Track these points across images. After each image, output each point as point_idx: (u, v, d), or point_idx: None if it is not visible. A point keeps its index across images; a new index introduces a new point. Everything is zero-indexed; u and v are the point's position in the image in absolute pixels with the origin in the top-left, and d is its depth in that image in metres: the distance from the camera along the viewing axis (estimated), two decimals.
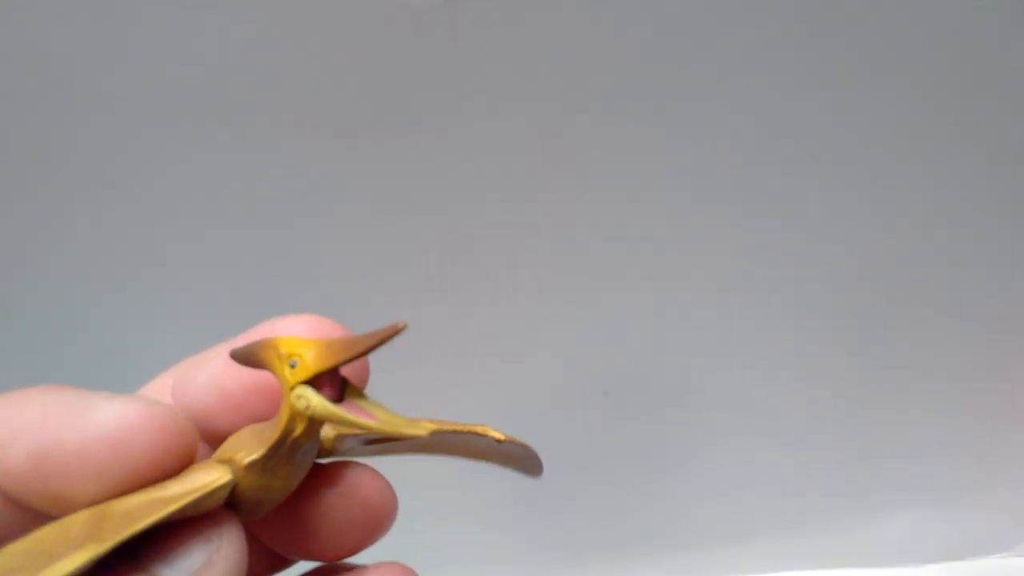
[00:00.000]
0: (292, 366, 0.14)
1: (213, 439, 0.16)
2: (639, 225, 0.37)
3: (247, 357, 0.15)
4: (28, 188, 0.33)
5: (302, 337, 0.14)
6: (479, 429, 0.18)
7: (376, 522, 0.16)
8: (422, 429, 0.14)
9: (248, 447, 0.14)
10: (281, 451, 0.14)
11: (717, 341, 0.40)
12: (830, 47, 0.33)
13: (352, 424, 0.14)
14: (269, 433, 0.14)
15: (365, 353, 0.14)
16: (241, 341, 0.15)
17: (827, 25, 0.33)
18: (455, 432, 0.18)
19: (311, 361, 0.14)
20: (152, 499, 0.13)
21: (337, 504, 0.16)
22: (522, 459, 0.20)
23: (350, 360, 0.14)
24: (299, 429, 0.14)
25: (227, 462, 0.14)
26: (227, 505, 0.14)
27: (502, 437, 0.18)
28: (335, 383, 0.14)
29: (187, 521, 0.14)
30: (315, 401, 0.14)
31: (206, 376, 0.16)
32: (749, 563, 0.46)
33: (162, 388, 0.16)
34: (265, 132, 0.33)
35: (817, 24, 0.33)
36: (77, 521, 0.13)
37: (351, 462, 0.16)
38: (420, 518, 0.32)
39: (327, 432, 0.16)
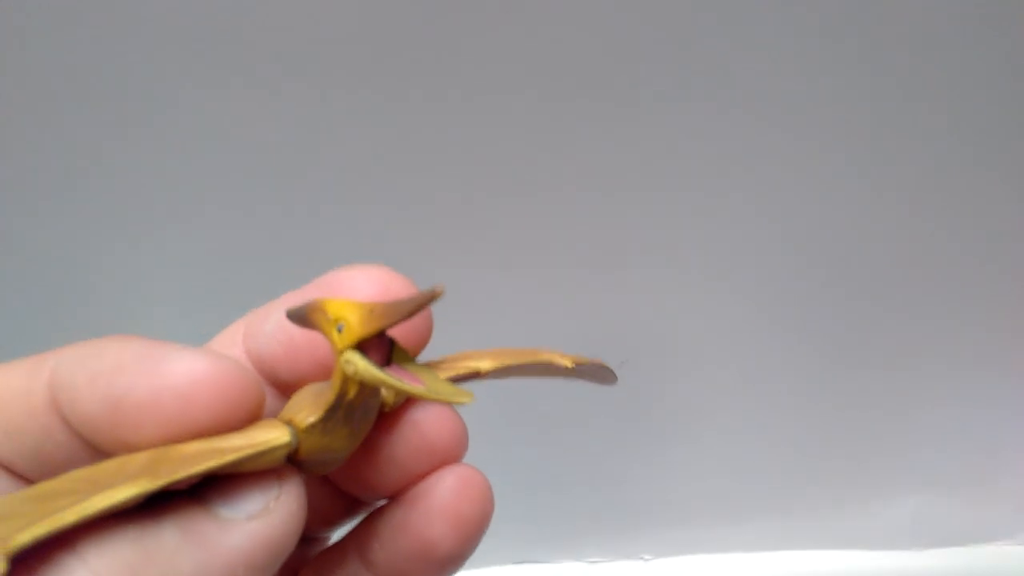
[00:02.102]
0: (339, 330, 0.14)
1: (281, 387, 0.16)
2: (652, 206, 0.36)
3: (300, 318, 0.15)
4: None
5: (349, 300, 0.14)
6: (544, 357, 0.18)
7: (448, 454, 0.16)
8: (466, 398, 0.14)
9: (307, 409, 0.14)
10: (338, 413, 0.14)
11: (728, 320, 0.40)
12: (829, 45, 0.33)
13: (397, 389, 0.14)
14: (326, 395, 0.14)
15: (405, 318, 0.14)
16: (306, 291, 0.15)
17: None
18: (519, 366, 0.17)
19: (355, 326, 0.14)
20: (211, 448, 0.13)
21: (406, 441, 0.16)
22: (593, 373, 0.19)
23: (391, 325, 0.14)
24: (352, 392, 0.14)
25: (288, 423, 0.14)
26: (291, 463, 0.14)
27: (571, 364, 0.18)
28: (382, 347, 0.14)
29: (252, 472, 0.14)
30: (361, 366, 0.14)
31: (273, 324, 0.16)
32: (754, 541, 0.46)
33: (234, 335, 0.16)
34: (279, 77, 0.32)
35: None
36: (137, 459, 0.13)
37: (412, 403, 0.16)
38: None
39: (388, 396, 0.16)
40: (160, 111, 0.32)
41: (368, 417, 0.15)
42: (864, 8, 0.32)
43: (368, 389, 0.14)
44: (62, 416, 0.14)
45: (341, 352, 0.14)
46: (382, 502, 0.16)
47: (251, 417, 0.14)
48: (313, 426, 0.14)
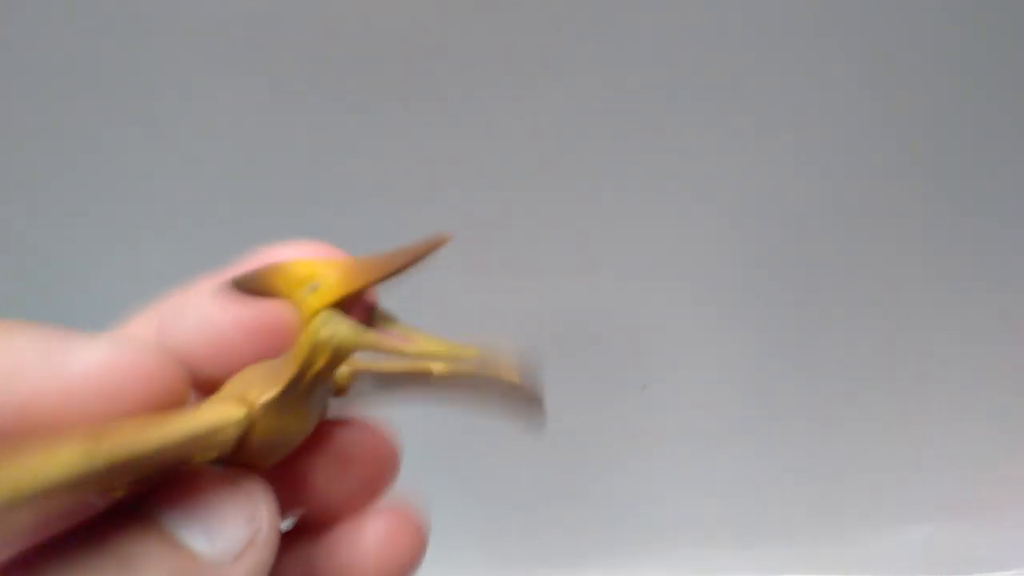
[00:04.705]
0: (312, 289, 0.12)
1: (204, 387, 0.14)
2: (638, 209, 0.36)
3: (252, 284, 0.13)
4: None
5: (321, 258, 0.12)
6: (493, 369, 0.15)
7: (375, 482, 0.14)
8: (471, 352, 0.12)
9: (260, 385, 0.12)
10: (298, 389, 0.12)
11: (742, 344, 0.40)
12: None
13: (393, 351, 0.12)
14: (284, 369, 0.12)
15: (403, 270, 0.12)
16: (232, 272, 0.14)
17: None
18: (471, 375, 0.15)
19: (337, 282, 0.12)
20: (153, 429, 0.11)
21: (332, 465, 0.14)
22: (527, 409, 0.17)
23: (383, 279, 0.12)
24: (320, 362, 0.12)
25: (240, 400, 0.12)
26: (230, 461, 0.12)
27: (517, 380, 0.15)
28: (365, 307, 0.13)
29: (213, 484, 0.12)
30: (343, 328, 0.12)
31: (197, 316, 0.13)
32: (762, 565, 0.45)
33: (144, 329, 0.14)
34: (277, 79, 0.32)
35: None
36: (65, 437, 0.11)
37: (346, 419, 0.15)
38: None
39: (342, 369, 0.14)
40: (162, 111, 0.32)
41: (324, 398, 0.13)
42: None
43: (336, 361, 0.12)
44: None
45: (315, 313, 0.12)
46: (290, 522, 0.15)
47: (177, 408, 0.12)
48: (270, 402, 0.12)
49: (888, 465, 0.43)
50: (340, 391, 0.14)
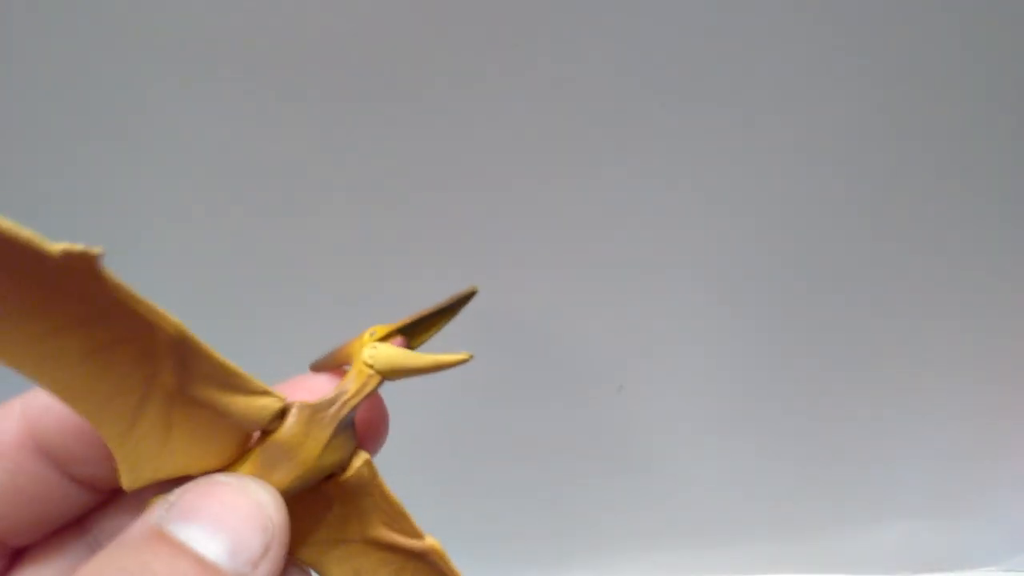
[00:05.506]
0: (372, 335, 0.17)
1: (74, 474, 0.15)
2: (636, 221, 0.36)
3: (330, 360, 0.17)
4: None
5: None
6: None
7: None
8: (463, 355, 0.16)
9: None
10: (330, 410, 0.16)
11: (718, 345, 0.40)
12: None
13: (409, 361, 0.16)
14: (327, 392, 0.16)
15: (437, 312, 0.17)
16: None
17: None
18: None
19: (387, 326, 0.17)
20: (225, 360, 0.15)
21: None
22: None
23: (421, 318, 0.17)
24: (352, 389, 0.16)
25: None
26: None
27: None
28: (403, 345, 0.17)
29: (227, 496, 0.13)
30: (381, 347, 0.16)
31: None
32: (740, 565, 0.46)
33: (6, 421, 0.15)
34: (270, 87, 0.32)
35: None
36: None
37: None
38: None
39: (357, 461, 0.17)
40: (157, 119, 0.32)
41: (341, 443, 0.16)
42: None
43: (364, 390, 0.16)
44: (39, 447, 0.14)
45: (365, 345, 0.16)
46: None
47: None
48: (304, 406, 0.16)
49: (865, 463, 0.44)
50: (349, 470, 0.16)
